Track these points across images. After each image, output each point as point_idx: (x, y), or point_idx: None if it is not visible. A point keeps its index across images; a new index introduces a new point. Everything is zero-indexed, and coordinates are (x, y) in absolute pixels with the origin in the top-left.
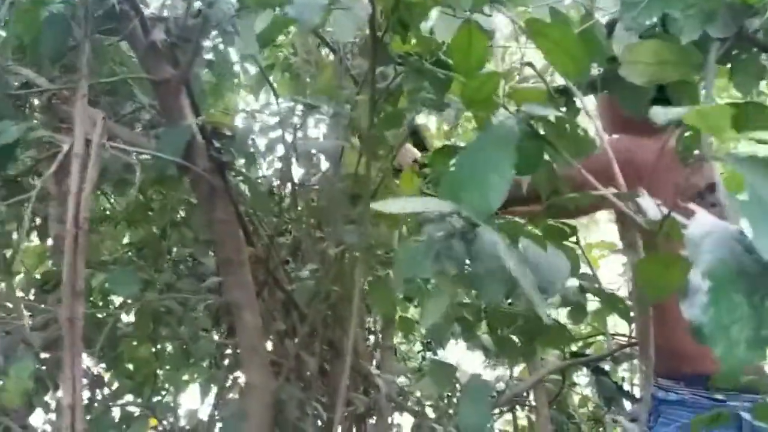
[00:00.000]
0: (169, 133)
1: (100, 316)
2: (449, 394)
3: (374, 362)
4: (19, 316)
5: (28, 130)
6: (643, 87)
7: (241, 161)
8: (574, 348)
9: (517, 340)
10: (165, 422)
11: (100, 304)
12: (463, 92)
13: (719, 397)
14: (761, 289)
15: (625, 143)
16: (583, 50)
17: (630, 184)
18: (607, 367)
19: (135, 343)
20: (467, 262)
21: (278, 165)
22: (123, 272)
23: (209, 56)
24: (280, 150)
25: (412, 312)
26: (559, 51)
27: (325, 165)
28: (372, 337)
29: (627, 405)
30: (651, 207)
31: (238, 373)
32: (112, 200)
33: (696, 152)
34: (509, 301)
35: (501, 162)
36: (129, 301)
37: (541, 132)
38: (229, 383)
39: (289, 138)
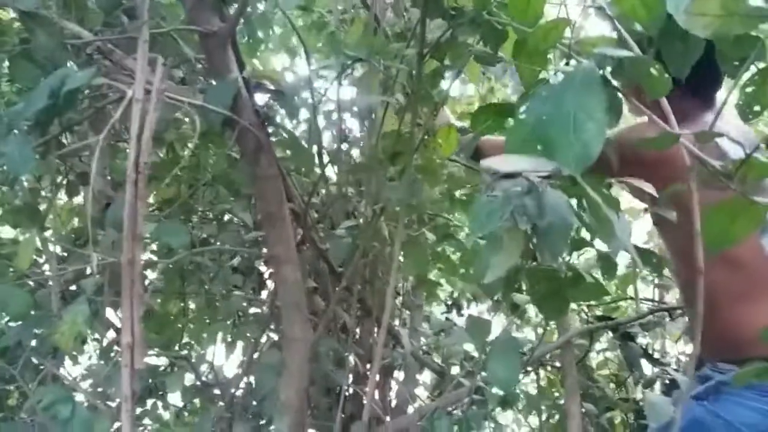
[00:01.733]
0: (217, 87)
1: None
2: (475, 353)
3: (401, 321)
4: (52, 269)
5: (93, 75)
6: (692, 49)
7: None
8: (599, 312)
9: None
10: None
11: None
12: (522, 44)
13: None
14: None
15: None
16: None
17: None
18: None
19: (163, 300)
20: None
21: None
22: (172, 222)
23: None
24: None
25: (436, 275)
26: None
27: (361, 123)
28: (400, 297)
29: (648, 369)
30: (732, 147)
31: (267, 331)
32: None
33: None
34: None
35: (593, 108)
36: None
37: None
38: (262, 339)
39: (327, 97)
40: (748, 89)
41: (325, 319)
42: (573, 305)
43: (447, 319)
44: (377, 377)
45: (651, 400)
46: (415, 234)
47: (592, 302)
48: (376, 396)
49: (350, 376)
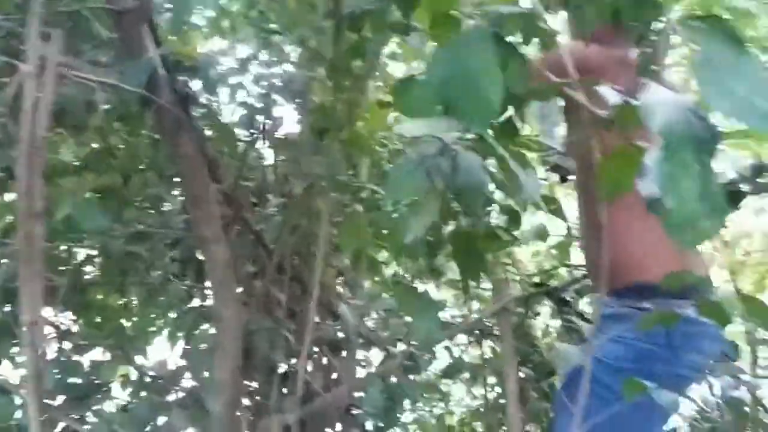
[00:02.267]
0: (132, 65)
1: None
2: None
3: (342, 299)
4: None
5: None
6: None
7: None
8: (537, 280)
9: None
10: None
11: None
12: (424, 6)
13: (646, 305)
14: (709, 149)
15: (580, 47)
16: None
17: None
18: (569, 297)
19: (102, 293)
20: None
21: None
22: (88, 203)
23: None
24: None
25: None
26: None
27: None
28: (342, 277)
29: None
30: (610, 93)
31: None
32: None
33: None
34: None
35: (487, 65)
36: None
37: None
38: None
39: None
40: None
41: (257, 297)
42: (513, 276)
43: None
44: (317, 355)
45: (559, 350)
46: (349, 209)
47: (530, 271)
48: (315, 373)
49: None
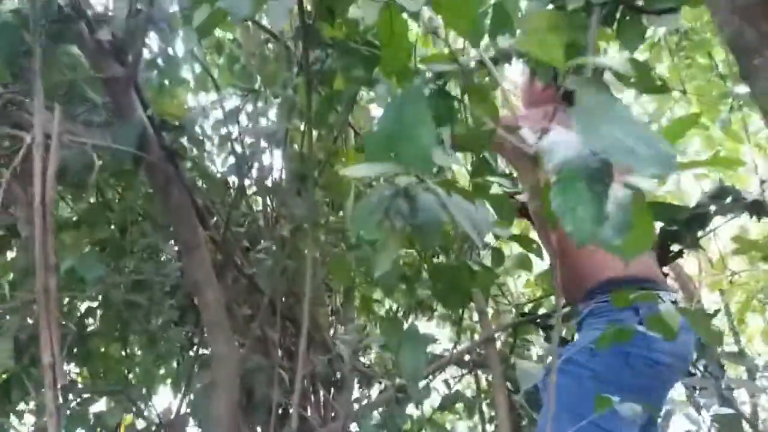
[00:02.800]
0: (123, 127)
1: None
2: None
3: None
4: None
5: None
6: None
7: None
8: (526, 309)
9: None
10: (140, 419)
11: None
12: (382, 64)
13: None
14: (600, 179)
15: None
16: (474, 11)
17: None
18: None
19: (104, 343)
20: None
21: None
22: (88, 255)
23: (156, 57)
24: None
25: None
26: (452, 13)
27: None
28: (335, 315)
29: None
30: (529, 135)
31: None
32: (71, 208)
33: None
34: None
35: (421, 116)
36: (95, 305)
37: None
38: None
39: (237, 128)
40: None
41: (251, 336)
42: (504, 306)
43: None
44: (313, 392)
45: (521, 367)
46: (336, 249)
47: (521, 301)
48: (310, 409)
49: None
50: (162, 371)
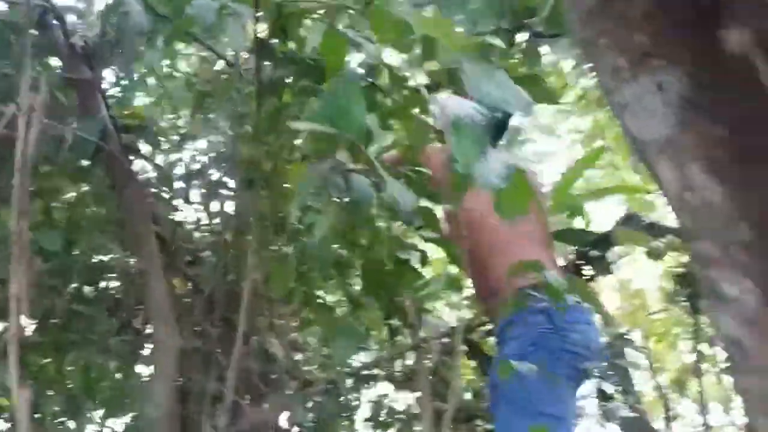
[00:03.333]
0: (88, 120)
1: None
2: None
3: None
4: None
5: None
6: None
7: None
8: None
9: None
10: None
11: None
12: (327, 74)
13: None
14: (485, 130)
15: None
16: (406, 30)
17: None
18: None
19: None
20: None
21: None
22: (51, 232)
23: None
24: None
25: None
26: (388, 30)
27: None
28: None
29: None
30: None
31: None
32: None
33: None
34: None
35: (355, 96)
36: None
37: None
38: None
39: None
40: None
41: (189, 328)
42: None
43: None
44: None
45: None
46: (277, 250)
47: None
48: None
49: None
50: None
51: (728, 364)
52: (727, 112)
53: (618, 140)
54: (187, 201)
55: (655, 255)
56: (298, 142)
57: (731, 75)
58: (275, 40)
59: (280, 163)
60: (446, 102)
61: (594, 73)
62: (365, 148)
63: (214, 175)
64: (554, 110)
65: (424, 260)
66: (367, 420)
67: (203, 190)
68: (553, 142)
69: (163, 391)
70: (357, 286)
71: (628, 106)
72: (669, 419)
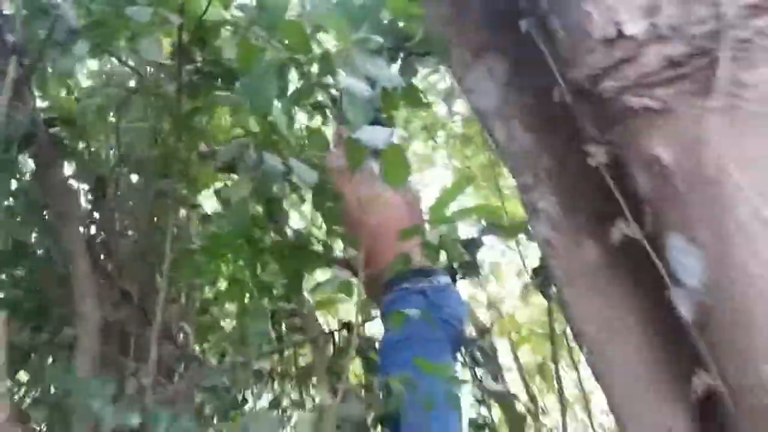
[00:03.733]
0: (20, 109)
1: None
2: None
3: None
4: None
5: None
6: None
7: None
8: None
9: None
10: None
11: None
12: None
13: (406, 286)
14: (371, 100)
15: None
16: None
17: None
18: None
19: None
20: None
21: None
22: None
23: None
24: None
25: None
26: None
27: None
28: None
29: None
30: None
31: None
32: None
33: None
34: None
35: (268, 84)
36: None
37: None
38: None
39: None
40: None
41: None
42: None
43: None
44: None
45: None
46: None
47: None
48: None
49: None
50: None
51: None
52: (533, 88)
53: (482, 169)
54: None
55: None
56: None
57: (535, 61)
58: (194, 48)
59: (194, 155)
60: (344, 80)
61: (452, 68)
62: (286, 132)
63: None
64: (430, 144)
65: (330, 248)
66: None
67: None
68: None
69: (85, 362)
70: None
71: (472, 89)
72: (533, 399)
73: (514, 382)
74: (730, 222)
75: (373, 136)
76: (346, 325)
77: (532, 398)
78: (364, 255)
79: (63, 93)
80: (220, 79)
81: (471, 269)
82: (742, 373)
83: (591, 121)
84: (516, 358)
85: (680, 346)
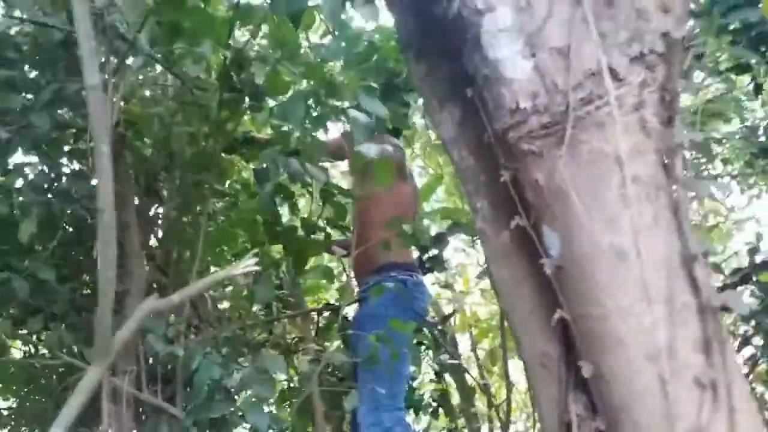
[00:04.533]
0: None
1: None
2: None
3: None
4: None
5: None
6: None
7: None
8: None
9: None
10: None
11: None
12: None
13: (392, 274)
14: (370, 126)
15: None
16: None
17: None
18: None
19: None
20: None
21: None
22: None
23: None
24: None
25: None
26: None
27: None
28: None
29: None
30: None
31: None
32: None
33: None
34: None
35: (298, 109)
36: None
37: None
38: None
39: None
40: None
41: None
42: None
43: None
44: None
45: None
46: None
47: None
48: None
49: None
50: None
51: None
52: (475, 128)
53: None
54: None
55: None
56: None
57: (476, 113)
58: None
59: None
60: (352, 113)
61: (426, 108)
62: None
63: None
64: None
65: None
66: None
67: None
68: None
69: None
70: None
71: (438, 123)
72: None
73: (471, 367)
74: (572, 218)
75: (370, 149)
76: (329, 306)
77: (482, 377)
78: (357, 238)
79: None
80: (251, 97)
81: (437, 263)
82: (580, 309)
83: (503, 154)
84: (473, 349)
85: (549, 294)
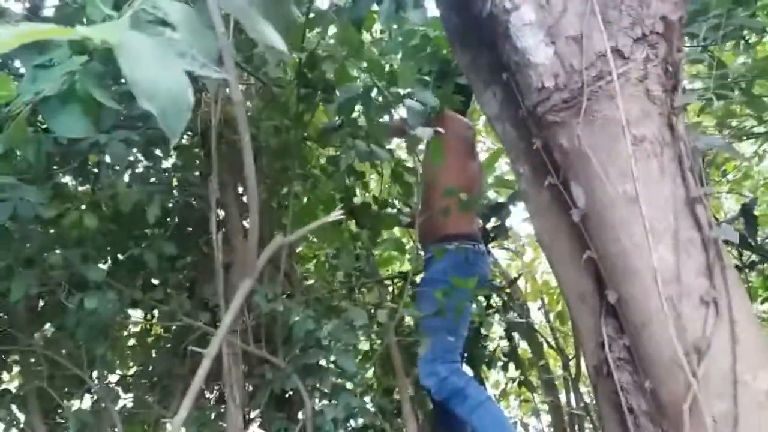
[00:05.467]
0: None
1: None
2: None
3: None
4: None
5: None
6: None
7: None
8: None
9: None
10: None
11: None
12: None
13: (455, 243)
14: (423, 113)
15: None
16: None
17: None
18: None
19: None
20: None
21: None
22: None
23: None
24: None
25: None
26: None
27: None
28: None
29: None
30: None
31: None
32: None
33: None
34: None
35: (356, 96)
36: None
37: None
38: None
39: None
40: None
41: None
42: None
43: None
44: None
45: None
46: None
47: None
48: None
49: None
50: None
51: None
52: (514, 105)
53: None
54: None
55: None
56: None
57: (513, 92)
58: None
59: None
60: (409, 104)
61: (473, 90)
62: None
63: None
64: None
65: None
66: None
67: None
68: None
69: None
70: None
71: (484, 104)
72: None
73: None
74: (592, 173)
75: (422, 132)
76: (402, 274)
77: (555, 338)
78: (423, 208)
79: None
80: (323, 91)
81: (500, 231)
82: (603, 248)
83: (535, 126)
84: (546, 314)
85: (581, 239)
